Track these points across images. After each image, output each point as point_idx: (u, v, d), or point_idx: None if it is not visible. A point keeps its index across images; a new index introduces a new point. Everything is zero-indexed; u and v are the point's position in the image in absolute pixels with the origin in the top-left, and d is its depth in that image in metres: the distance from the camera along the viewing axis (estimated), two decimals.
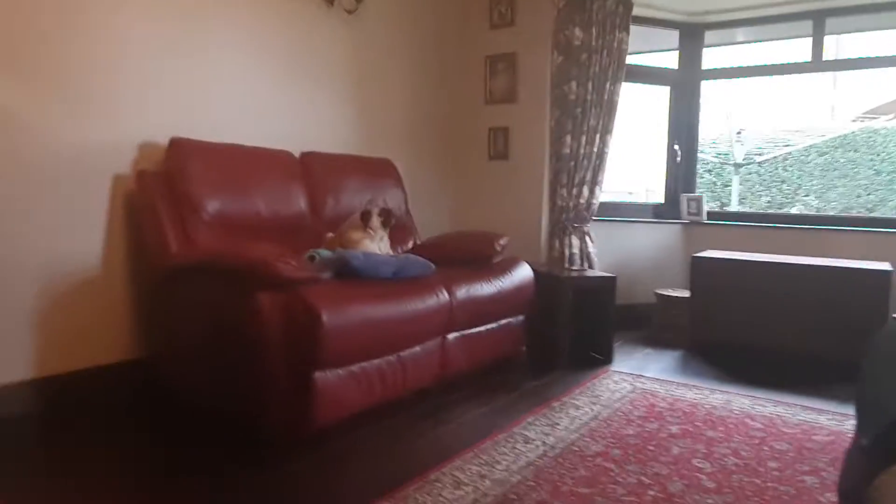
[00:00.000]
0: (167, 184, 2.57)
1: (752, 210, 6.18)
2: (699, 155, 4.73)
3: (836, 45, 4.60)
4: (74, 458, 2.07)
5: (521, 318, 3.17)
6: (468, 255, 3.12)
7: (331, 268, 2.48)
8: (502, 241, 3.15)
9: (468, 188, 4.31)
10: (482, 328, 2.88)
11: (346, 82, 3.59)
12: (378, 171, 3.45)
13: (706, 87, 4.57)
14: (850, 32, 4.28)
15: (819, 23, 4.08)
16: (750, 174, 6.47)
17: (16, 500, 1.76)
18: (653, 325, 3.89)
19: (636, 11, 4.05)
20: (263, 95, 3.15)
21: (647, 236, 4.31)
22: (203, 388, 2.38)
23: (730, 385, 2.99)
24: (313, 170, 3.12)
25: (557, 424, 2.43)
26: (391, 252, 2.93)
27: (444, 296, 2.60)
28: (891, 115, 6.18)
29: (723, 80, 4.73)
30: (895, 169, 5.74)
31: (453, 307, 2.63)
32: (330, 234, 2.87)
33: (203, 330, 2.33)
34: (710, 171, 6.47)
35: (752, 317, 3.40)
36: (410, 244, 3.40)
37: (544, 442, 2.25)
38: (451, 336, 2.71)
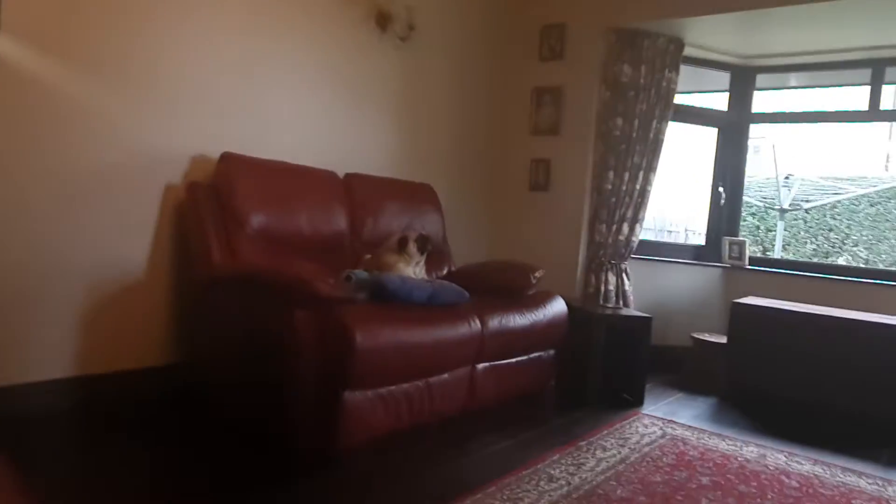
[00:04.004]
0: (215, 196, 2.65)
1: (795, 258, 6.03)
2: (744, 198, 4.65)
3: (895, 95, 4.50)
4: (103, 458, 2.11)
5: (552, 352, 3.14)
6: (503, 285, 3.11)
7: (366, 289, 2.50)
8: (538, 274, 3.14)
9: (507, 218, 4.31)
10: (512, 360, 2.86)
11: (393, 107, 3.65)
12: (418, 195, 3.49)
13: (755, 130, 4.51)
14: None
15: (878, 72, 4.00)
16: (796, 220, 6.32)
17: (41, 498, 1.80)
18: (686, 369, 3.80)
19: (687, 52, 4.04)
20: (313, 116, 3.23)
21: (686, 278, 4.23)
22: (234, 399, 2.42)
23: (765, 438, 2.89)
24: (355, 191, 3.17)
25: (583, 465, 2.38)
26: (426, 277, 2.94)
27: (477, 325, 2.60)
28: None
29: (773, 125, 4.66)
30: None
31: (485, 337, 2.63)
32: (368, 256, 2.90)
33: (238, 341, 2.37)
34: (753, 214, 6.35)
35: (792, 368, 3.30)
36: (446, 270, 3.41)
37: (569, 482, 2.21)
38: (481, 366, 2.69)
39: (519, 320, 2.84)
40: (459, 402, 2.62)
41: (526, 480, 2.19)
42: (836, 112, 4.32)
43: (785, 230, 6.18)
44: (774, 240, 6.08)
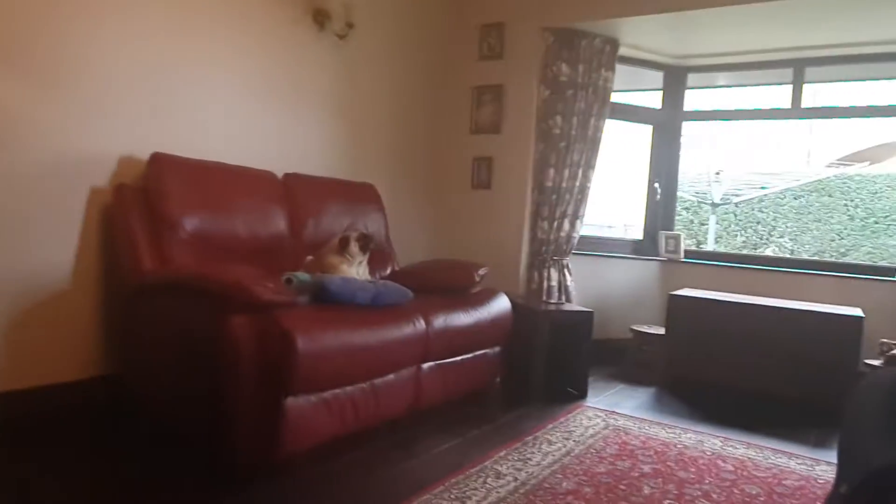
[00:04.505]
0: (145, 199, 2.54)
1: (727, 249, 6.29)
2: (678, 193, 4.81)
3: (814, 94, 4.74)
4: (31, 477, 1.99)
5: (497, 349, 3.16)
6: (447, 283, 3.11)
7: (307, 292, 2.45)
8: (481, 272, 3.15)
9: (450, 216, 4.31)
10: (458, 358, 2.86)
11: (333, 106, 3.59)
12: (360, 195, 3.45)
13: (687, 127, 4.67)
14: (827, 82, 4.40)
15: (799, 71, 4.20)
16: (727, 214, 6.59)
17: None
18: (627, 360, 3.89)
19: (622, 51, 4.14)
20: (249, 115, 3.14)
21: (625, 272, 4.34)
22: (170, 410, 2.32)
23: (702, 424, 3.00)
24: (295, 191, 3.10)
25: (530, 460, 2.40)
26: (369, 278, 2.91)
27: (421, 324, 2.59)
28: (864, 163, 6.35)
29: (704, 122, 4.83)
30: (868, 215, 5.88)
31: (430, 336, 2.61)
32: (309, 258, 2.84)
33: (173, 350, 2.28)
34: (687, 209, 6.58)
35: (725, 356, 3.43)
36: (389, 270, 3.38)
37: (516, 478, 2.22)
38: (427, 365, 2.68)
39: (464, 318, 2.84)
40: (406, 403, 2.60)
41: (473, 478, 2.19)
42: (761, 110, 4.52)
43: (717, 224, 6.43)
44: (707, 233, 6.32)
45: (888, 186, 5.68)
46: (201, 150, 2.82)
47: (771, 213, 6.51)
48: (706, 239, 6.32)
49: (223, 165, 2.81)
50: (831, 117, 4.48)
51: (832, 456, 2.13)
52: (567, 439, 2.66)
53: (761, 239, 6.55)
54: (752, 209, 6.55)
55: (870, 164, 6.09)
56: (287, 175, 3.14)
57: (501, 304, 3.10)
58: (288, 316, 2.10)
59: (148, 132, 2.70)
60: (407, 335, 2.50)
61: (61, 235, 2.49)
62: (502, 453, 2.44)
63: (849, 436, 1.24)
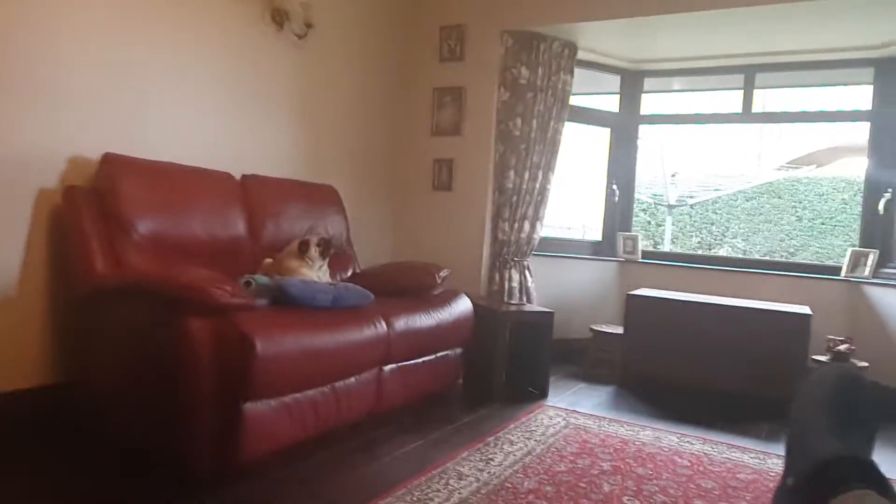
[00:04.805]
0: (97, 200, 2.46)
1: (683, 250, 6.44)
2: (636, 195, 4.91)
3: (764, 99, 4.90)
4: None
5: (459, 350, 3.17)
6: (408, 285, 3.10)
7: (267, 295, 2.42)
8: (443, 273, 3.15)
9: (411, 218, 4.31)
10: (419, 360, 2.86)
11: (292, 107, 3.55)
12: (320, 197, 3.41)
13: (644, 130, 4.77)
14: (777, 87, 4.56)
15: (749, 77, 4.34)
16: (682, 215, 6.76)
17: None
18: (587, 360, 3.95)
19: (581, 55, 4.21)
20: (206, 115, 3.08)
21: (585, 272, 4.41)
22: (124, 418, 2.26)
23: (660, 421, 3.06)
24: (254, 193, 3.05)
25: (492, 460, 2.42)
26: (330, 280, 2.88)
27: (382, 327, 2.57)
28: (812, 166, 6.60)
29: (660, 125, 4.94)
30: (815, 216, 6.11)
31: (391, 338, 2.61)
32: (268, 260, 2.80)
33: (128, 356, 2.21)
34: (644, 210, 6.72)
35: (681, 354, 3.51)
36: (350, 272, 3.36)
37: (478, 478, 2.23)
38: (388, 368, 2.67)
39: (425, 320, 2.84)
40: (367, 406, 2.59)
41: (436, 480, 2.19)
42: (714, 114, 4.65)
43: (673, 225, 6.59)
44: (664, 234, 6.46)
45: (833, 189, 5.91)
46: (155, 150, 2.75)
47: (724, 214, 6.70)
48: (663, 240, 6.47)
49: (178, 166, 2.75)
50: (780, 122, 4.64)
51: (783, 449, 2.21)
52: (528, 439, 2.69)
53: (715, 239, 6.74)
54: (707, 211, 6.73)
55: (817, 167, 6.33)
56: (246, 176, 3.09)
57: (462, 306, 3.11)
58: (246, 319, 2.07)
59: (99, 131, 2.62)
60: (368, 338, 2.48)
61: (6, 240, 2.39)
62: (464, 454, 2.45)
63: (795, 430, 1.29)
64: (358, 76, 3.99)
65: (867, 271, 3.77)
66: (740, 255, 6.27)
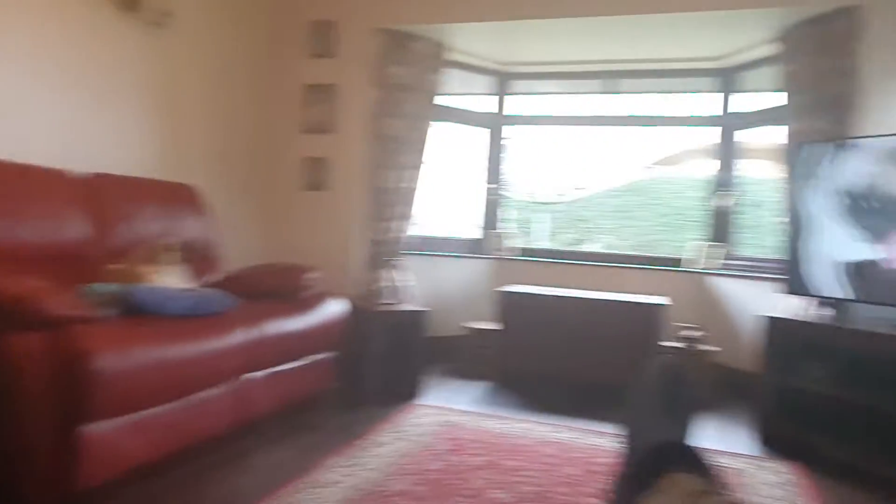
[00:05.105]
0: None
1: (557, 246, 6.71)
2: (510, 193, 5.04)
3: (626, 103, 5.18)
4: None
5: (330, 354, 3.09)
6: (275, 289, 2.98)
7: (112, 304, 2.22)
8: (312, 275, 3.06)
9: (282, 219, 4.15)
10: (287, 366, 2.75)
11: (149, 100, 3.30)
12: (178, 197, 3.20)
13: (517, 131, 4.91)
14: (636, 93, 4.83)
15: (611, 82, 4.59)
16: (556, 213, 7.04)
17: None
18: (463, 357, 4.00)
19: (455, 56, 4.26)
20: (42, 108, 2.78)
21: (461, 270, 4.47)
22: None
23: (532, 414, 3.16)
24: (102, 193, 2.80)
25: (362, 464, 2.38)
26: (186, 286, 2.70)
27: (244, 333, 2.45)
28: (670, 166, 7.10)
29: (537, 126, 5.11)
30: (671, 212, 6.58)
31: (254, 345, 2.48)
32: (116, 266, 2.58)
33: None
34: (521, 209, 6.94)
35: (551, 348, 3.63)
36: (212, 277, 3.17)
37: (347, 484, 2.18)
38: (252, 376, 2.54)
39: (292, 324, 2.74)
40: (231, 418, 2.45)
41: (304, 489, 2.12)
42: (581, 117, 4.87)
43: (547, 222, 6.85)
44: (538, 231, 6.70)
45: (687, 187, 6.38)
46: None
47: (594, 211, 7.06)
48: (537, 237, 6.71)
49: (5, 164, 2.46)
50: (640, 125, 4.93)
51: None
52: (400, 439, 2.67)
53: (587, 236, 7.08)
54: (578, 208, 7.06)
55: (674, 167, 6.82)
56: (94, 175, 2.82)
57: (333, 308, 3.03)
58: (85, 333, 1.88)
59: None
60: (228, 346, 2.35)
61: None
62: (334, 460, 2.39)
63: (629, 420, 1.36)
64: (222, 69, 3.79)
65: (716, 263, 4.11)
66: (609, 251, 6.63)
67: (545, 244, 6.55)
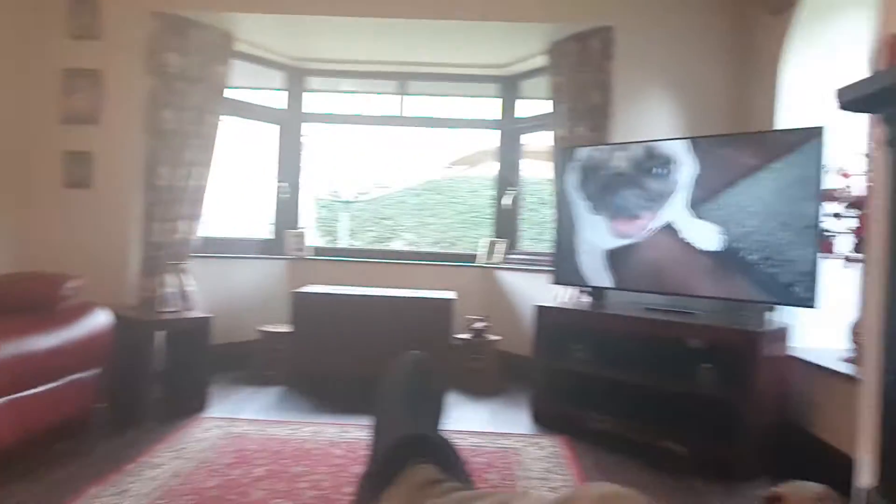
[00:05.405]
0: None
1: (361, 244, 6.74)
2: (309, 192, 4.94)
3: (420, 104, 5.33)
4: None
5: (95, 371, 2.77)
6: (24, 301, 2.60)
7: None
8: (72, 284, 2.72)
9: (39, 220, 3.62)
10: (38, 389, 2.41)
11: None
12: None
13: (315, 128, 4.82)
14: (428, 95, 4.99)
15: (404, 84, 4.69)
16: (359, 211, 7.07)
17: None
18: (255, 363, 3.84)
19: (243, 48, 4.06)
20: None
21: (254, 272, 4.28)
22: None
23: (323, 416, 3.12)
24: None
25: (129, 491, 2.17)
26: None
27: None
28: (466, 166, 7.48)
29: (334, 124, 5.05)
30: (468, 210, 6.95)
31: None
32: None
33: None
34: (324, 207, 6.86)
35: (346, 347, 3.62)
36: None
37: None
38: None
39: (44, 341, 2.41)
40: None
41: None
42: (375, 116, 4.91)
43: (350, 220, 6.86)
44: (341, 230, 6.68)
45: (481, 186, 6.79)
46: None
47: (397, 210, 7.21)
48: (339, 235, 6.69)
49: None
50: (431, 126, 5.09)
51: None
52: (178, 458, 2.48)
53: (390, 234, 7.20)
54: (381, 206, 7.16)
55: (470, 168, 7.20)
56: None
57: (98, 320, 2.72)
58: None
59: None
60: None
61: None
62: (96, 490, 2.15)
63: (377, 418, 1.39)
64: None
65: (499, 257, 4.40)
66: (410, 248, 6.81)
67: (346, 243, 6.55)
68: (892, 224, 1.79)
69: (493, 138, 4.79)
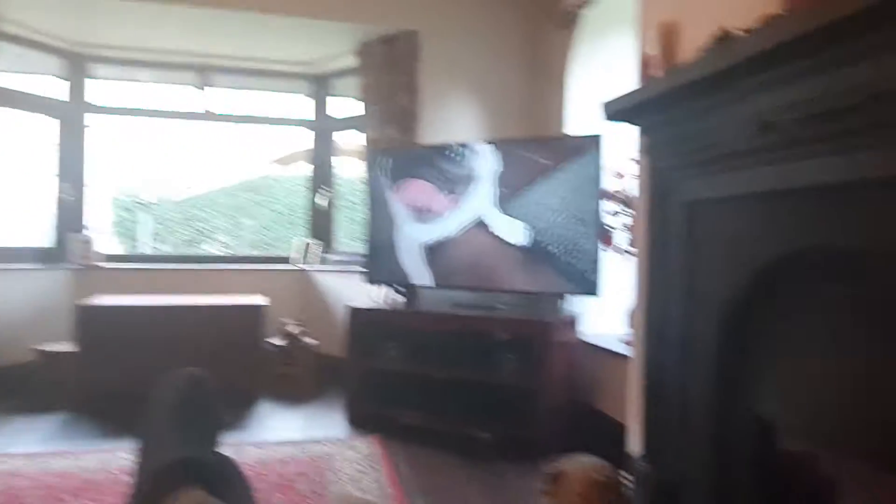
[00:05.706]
0: None
1: (168, 249, 6.24)
2: (108, 194, 4.45)
3: (225, 99, 4.99)
4: None
5: None
6: None
7: None
8: None
9: None
10: None
11: None
12: None
13: (107, 121, 4.34)
14: (232, 89, 4.70)
15: (205, 76, 4.39)
16: (167, 213, 6.53)
17: None
18: (32, 387, 3.36)
19: (10, 28, 3.53)
20: None
21: (29, 285, 3.75)
22: None
23: (115, 440, 2.82)
24: None
25: None
26: None
27: None
28: (284, 166, 7.24)
29: (126, 117, 4.57)
30: (286, 210, 6.74)
31: None
32: None
33: None
34: (126, 209, 6.24)
35: (141, 364, 3.27)
36: None
37: None
38: None
39: None
40: None
41: None
42: (172, 111, 4.53)
43: (155, 223, 6.31)
44: (142, 234, 6.13)
45: (299, 186, 6.62)
46: None
47: (209, 211, 6.77)
48: (142, 241, 6.13)
49: None
50: (238, 123, 4.81)
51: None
52: None
53: (203, 236, 6.75)
54: (191, 208, 6.68)
55: (284, 167, 6.97)
56: None
57: None
58: None
59: None
60: None
61: None
62: None
63: (142, 439, 1.28)
64: None
65: (315, 259, 4.31)
66: (225, 251, 6.44)
67: (150, 248, 6.02)
68: (650, 221, 2.02)
69: (307, 137, 4.67)
